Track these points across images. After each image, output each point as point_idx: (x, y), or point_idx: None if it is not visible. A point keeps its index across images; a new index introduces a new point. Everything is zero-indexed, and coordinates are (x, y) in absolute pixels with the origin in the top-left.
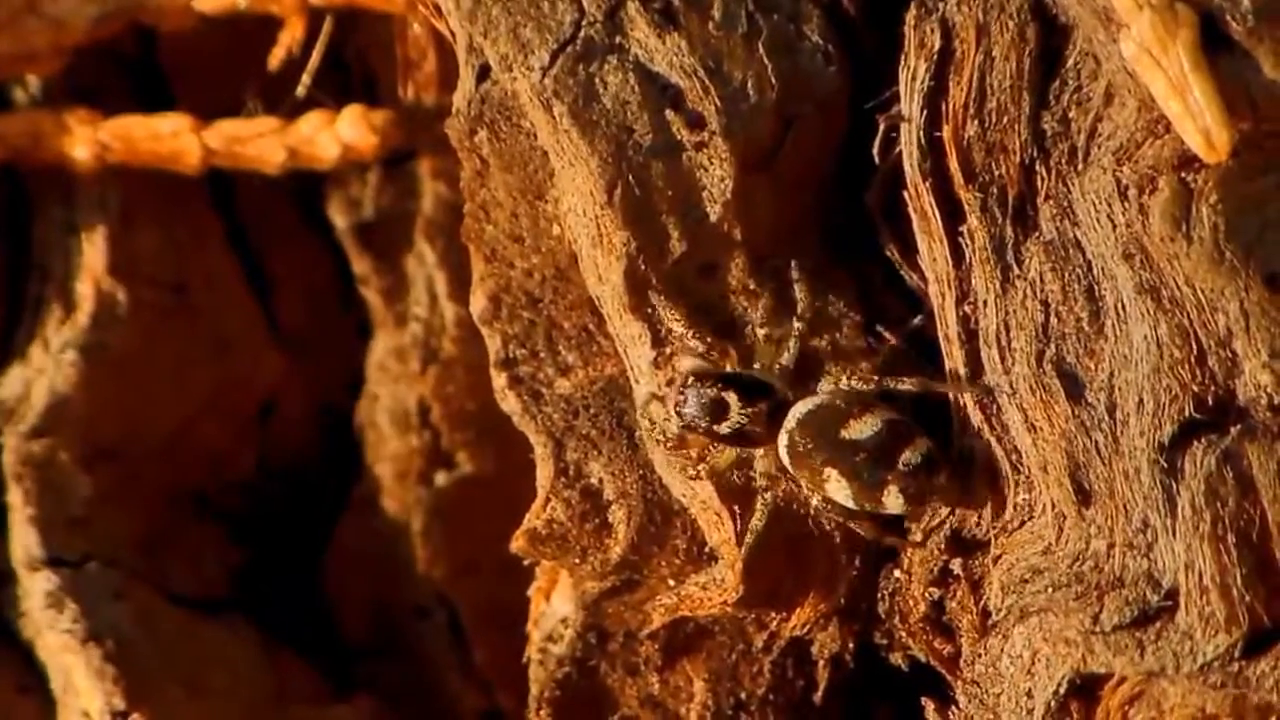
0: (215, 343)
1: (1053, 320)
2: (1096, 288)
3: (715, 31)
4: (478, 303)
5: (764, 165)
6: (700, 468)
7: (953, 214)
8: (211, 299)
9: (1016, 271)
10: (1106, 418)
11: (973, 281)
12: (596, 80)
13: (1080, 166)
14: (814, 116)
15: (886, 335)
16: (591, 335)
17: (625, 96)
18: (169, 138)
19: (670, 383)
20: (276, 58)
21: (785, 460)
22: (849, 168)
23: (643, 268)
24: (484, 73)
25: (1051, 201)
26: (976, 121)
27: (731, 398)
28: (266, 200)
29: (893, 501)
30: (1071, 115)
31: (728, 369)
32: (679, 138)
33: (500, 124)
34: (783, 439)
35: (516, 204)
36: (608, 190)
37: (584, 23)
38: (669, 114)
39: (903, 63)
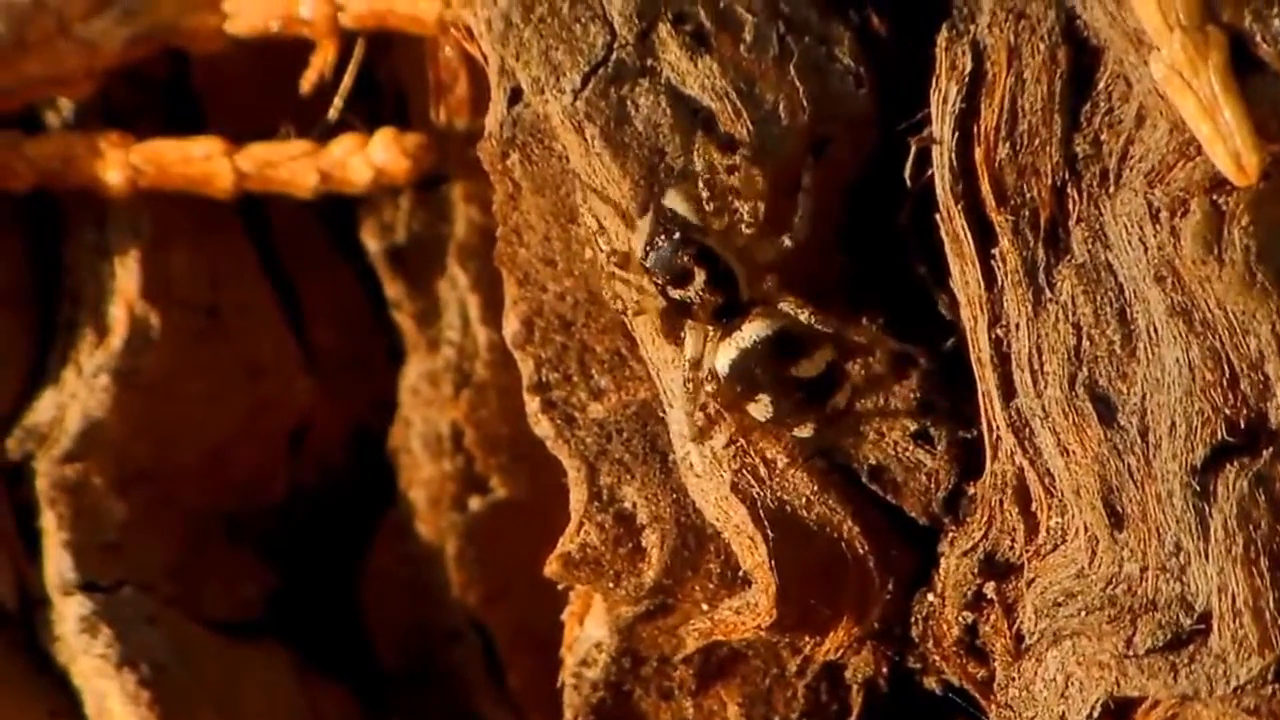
0: (248, 366)
1: (1085, 343)
2: (1128, 311)
3: (747, 54)
4: (510, 327)
5: (796, 188)
6: (632, 305)
7: (985, 237)
8: (244, 323)
9: (1049, 294)
10: (1139, 441)
11: (1005, 304)
12: (628, 103)
13: (1112, 189)
14: (845, 139)
15: (919, 358)
16: (624, 359)
17: (657, 119)
18: (201, 161)
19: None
20: (309, 81)
21: (724, 371)
22: (880, 190)
23: None
24: (516, 96)
25: (1083, 224)
26: (1008, 144)
27: (700, 274)
28: (298, 224)
29: (804, 433)
30: (1103, 137)
31: (709, 242)
32: (710, 160)
33: (532, 147)
34: (730, 352)
35: (549, 227)
36: (640, 213)
37: (616, 45)
38: (701, 136)
39: (934, 85)
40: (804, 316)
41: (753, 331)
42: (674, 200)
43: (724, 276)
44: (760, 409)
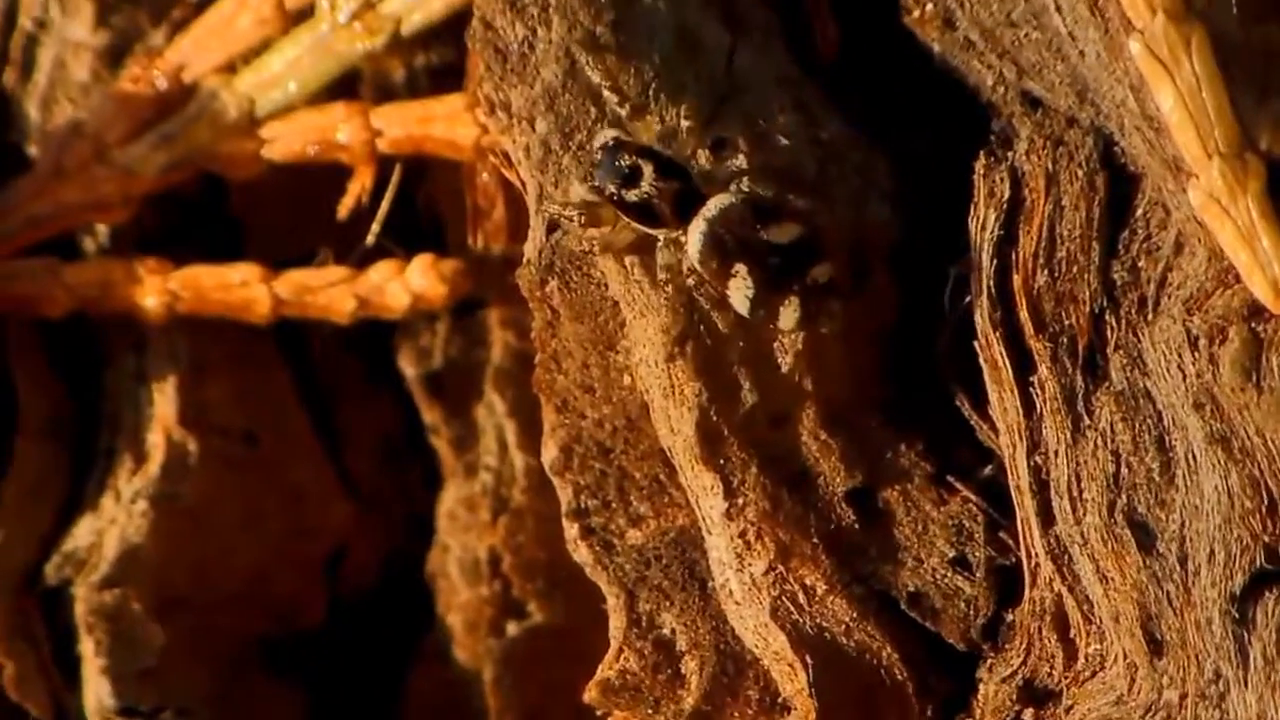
0: (285, 492)
1: (1124, 470)
2: (1167, 438)
3: None
4: (549, 453)
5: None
6: (596, 243)
7: (1023, 364)
8: (281, 448)
9: (1087, 422)
10: (1178, 568)
11: (1044, 431)
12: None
13: (1150, 316)
14: (884, 267)
15: (957, 485)
16: (663, 486)
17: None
18: (239, 287)
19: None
20: (346, 206)
21: (696, 248)
22: (918, 317)
23: (714, 418)
24: (554, 223)
25: (1122, 351)
26: (1046, 271)
27: (647, 168)
28: (336, 349)
29: (789, 317)
30: (1141, 264)
31: (646, 142)
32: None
33: (571, 274)
34: (700, 225)
35: (587, 354)
36: (679, 341)
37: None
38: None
39: (972, 212)
40: (768, 193)
41: (717, 203)
42: (603, 133)
43: (671, 167)
44: (740, 287)
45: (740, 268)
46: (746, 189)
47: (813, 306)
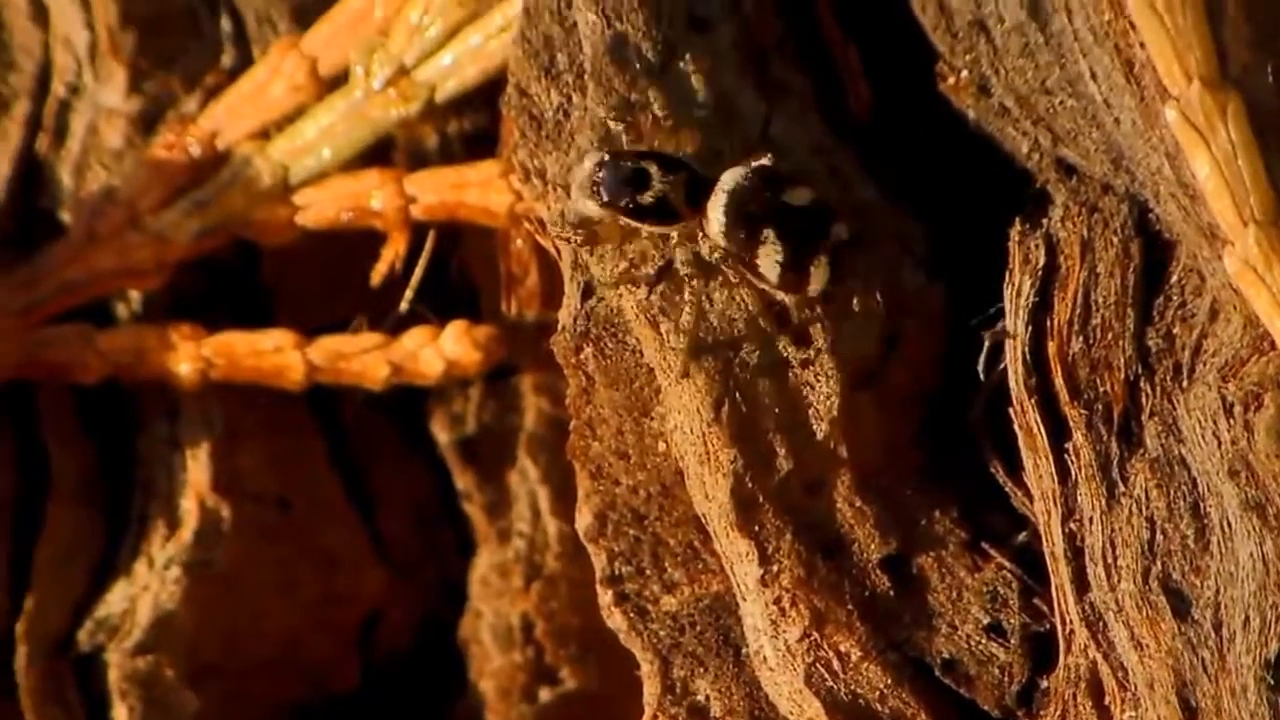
0: (319, 558)
1: (1158, 537)
2: (1202, 504)
3: None
4: (583, 519)
5: (869, 382)
6: (624, 288)
7: (1058, 430)
8: (314, 514)
9: (1122, 488)
10: (1213, 635)
11: (1078, 498)
12: (703, 297)
13: (1185, 383)
14: (918, 333)
15: (991, 552)
16: (697, 552)
17: (732, 314)
18: (272, 354)
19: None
20: (379, 273)
21: (720, 224)
22: (952, 383)
23: (749, 485)
24: (589, 290)
25: (1156, 418)
26: (1081, 338)
27: (652, 167)
28: (369, 414)
29: (819, 276)
30: (1176, 331)
31: (641, 148)
32: (785, 355)
33: (606, 340)
34: (720, 200)
35: (622, 420)
36: (715, 407)
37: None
38: (775, 331)
39: (1007, 279)
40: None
41: (731, 176)
42: (589, 157)
43: (672, 161)
44: (770, 254)
45: (768, 233)
46: (754, 162)
47: (841, 263)
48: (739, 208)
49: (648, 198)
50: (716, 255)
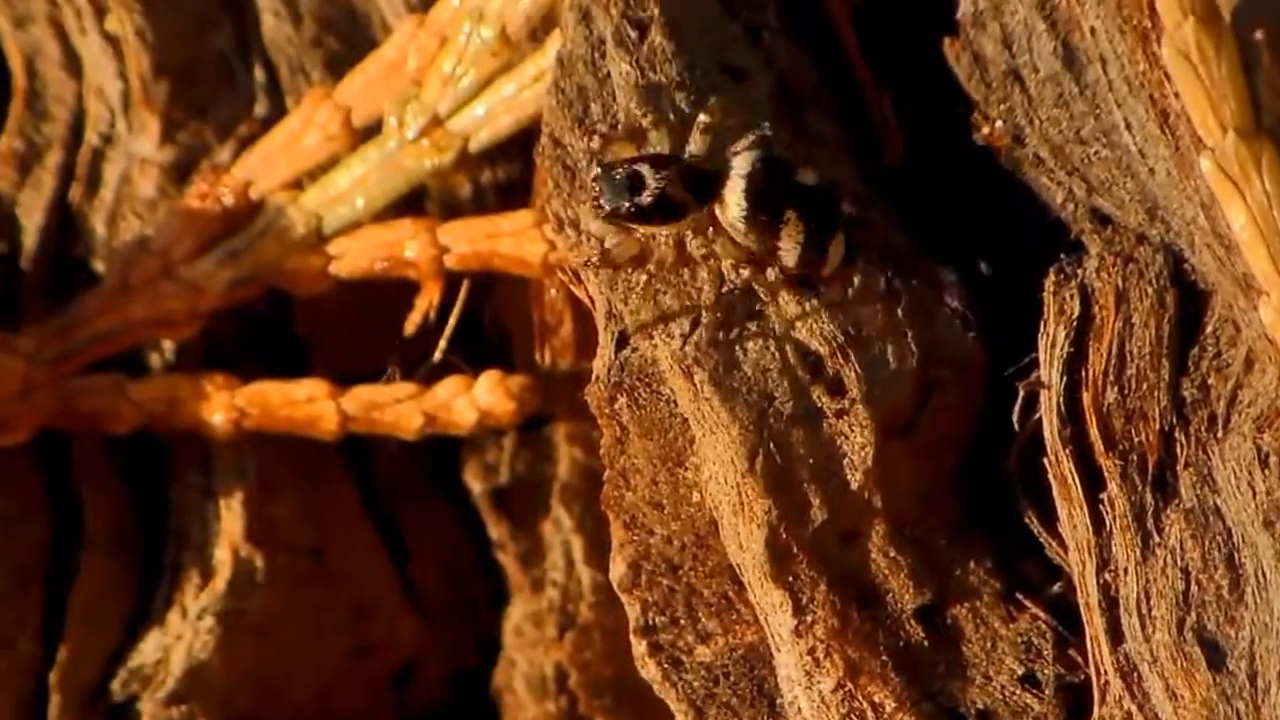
0: (352, 608)
1: (1193, 588)
2: (1237, 555)
3: (854, 298)
4: (617, 570)
5: (904, 432)
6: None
7: (1093, 481)
8: (348, 564)
9: (1157, 539)
10: (1248, 686)
11: (1113, 549)
12: (737, 347)
13: (1220, 434)
14: (953, 383)
15: (1026, 602)
16: (731, 602)
17: (766, 364)
18: (306, 404)
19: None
20: (413, 323)
21: (739, 209)
22: (987, 434)
23: (784, 535)
24: (623, 340)
25: (1191, 469)
26: (1116, 388)
27: (644, 169)
28: (402, 464)
29: (836, 254)
30: (1211, 382)
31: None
32: (819, 405)
33: (640, 391)
34: (737, 185)
35: (656, 470)
36: (749, 458)
37: (724, 289)
38: (809, 381)
39: (1042, 329)
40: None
41: (743, 161)
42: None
43: (663, 160)
44: (793, 235)
45: (791, 214)
46: (752, 134)
47: (854, 239)
48: (759, 192)
49: (646, 198)
50: (737, 236)
